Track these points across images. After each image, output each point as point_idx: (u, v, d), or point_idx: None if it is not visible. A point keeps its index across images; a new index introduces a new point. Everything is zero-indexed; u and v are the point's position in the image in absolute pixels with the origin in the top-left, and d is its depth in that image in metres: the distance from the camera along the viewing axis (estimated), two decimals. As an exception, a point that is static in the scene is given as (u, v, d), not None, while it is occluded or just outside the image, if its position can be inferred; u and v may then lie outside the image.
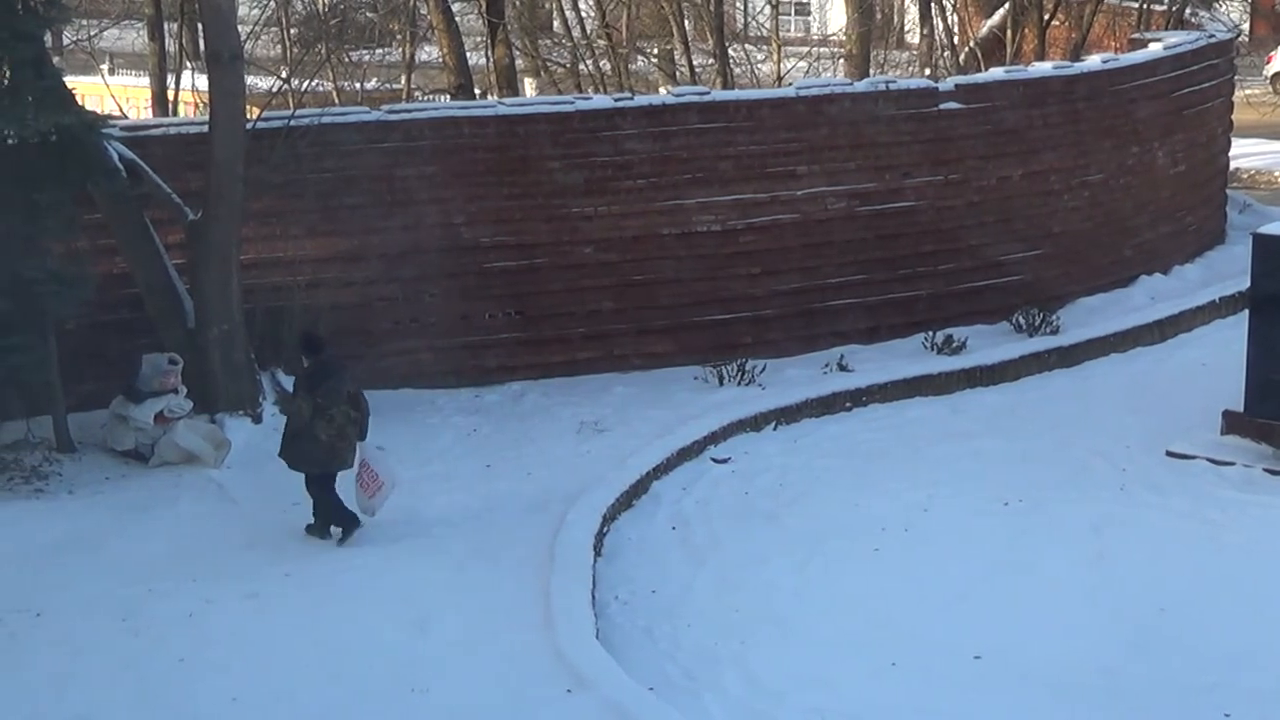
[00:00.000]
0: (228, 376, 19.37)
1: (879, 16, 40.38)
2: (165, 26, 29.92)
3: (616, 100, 22.73)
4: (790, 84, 26.12)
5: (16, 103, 17.79)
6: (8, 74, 18.05)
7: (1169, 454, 19.12)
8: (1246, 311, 19.78)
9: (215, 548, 16.34)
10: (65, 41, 32.78)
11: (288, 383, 19.97)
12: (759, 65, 35.27)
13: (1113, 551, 16.55)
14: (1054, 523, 17.26)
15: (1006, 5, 33.89)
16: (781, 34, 34.79)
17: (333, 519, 16.75)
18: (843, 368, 22.10)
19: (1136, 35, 30.52)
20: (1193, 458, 18.98)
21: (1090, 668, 14.14)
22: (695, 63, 32.44)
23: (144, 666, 13.79)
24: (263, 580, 15.48)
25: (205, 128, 19.73)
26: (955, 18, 36.43)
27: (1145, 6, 33.29)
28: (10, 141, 18.07)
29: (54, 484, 18.02)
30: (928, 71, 34.04)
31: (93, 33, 32.94)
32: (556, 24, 36.18)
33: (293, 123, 20.73)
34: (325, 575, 15.62)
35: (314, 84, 28.63)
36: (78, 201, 18.89)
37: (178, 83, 29.54)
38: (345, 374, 16.91)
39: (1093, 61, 26.04)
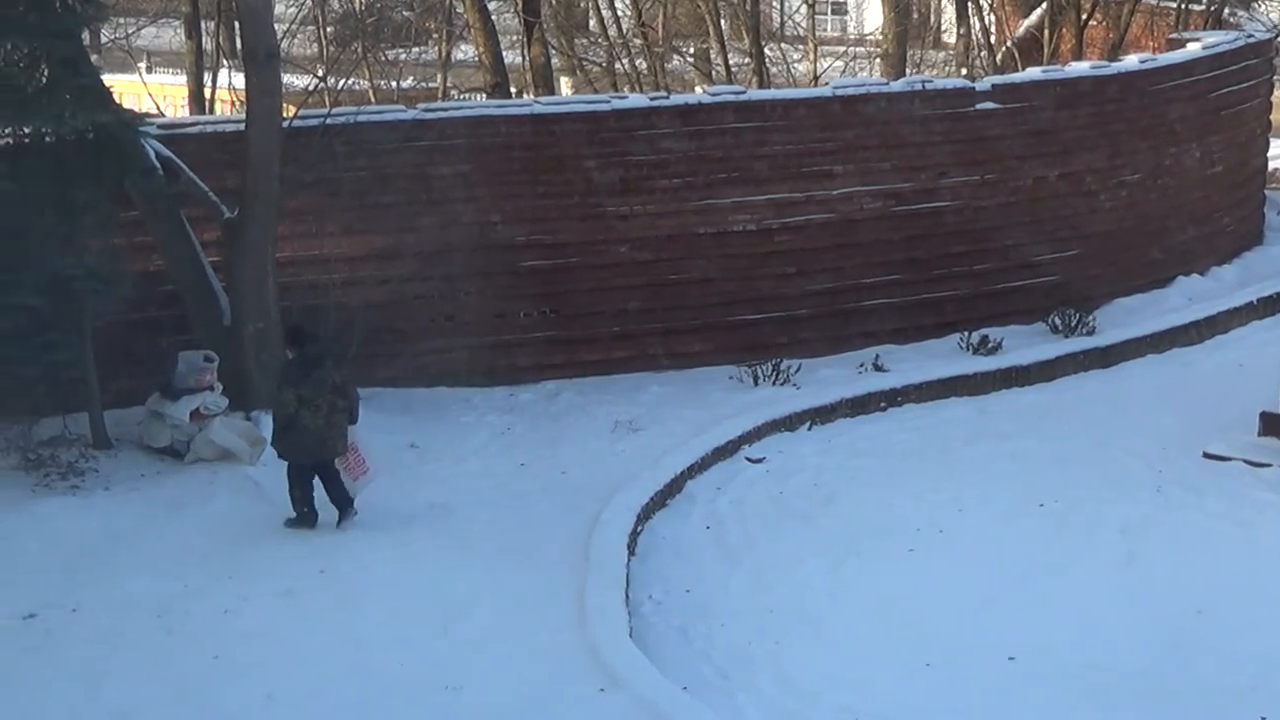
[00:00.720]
0: (263, 374, 19.37)
1: (915, 16, 40.33)
2: (202, 25, 30.05)
3: (652, 99, 22.72)
4: (826, 83, 26.09)
5: (54, 100, 17.83)
6: (45, 72, 18.10)
7: (1205, 455, 19.05)
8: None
9: (250, 545, 16.37)
10: (103, 39, 32.89)
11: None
12: (795, 65, 35.25)
13: (1148, 553, 16.49)
14: (1089, 524, 17.21)
15: (1044, 5, 33.79)
16: (818, 33, 34.76)
17: (334, 503, 16.98)
18: (878, 368, 22.06)
19: (1174, 35, 30.38)
20: (1229, 459, 18.89)
21: (1125, 669, 14.10)
22: (731, 62, 32.41)
23: (179, 663, 13.83)
24: (297, 577, 15.51)
25: (242, 126, 19.77)
26: (992, 17, 36.33)
27: (1183, 6, 33.15)
28: (48, 139, 18.13)
29: (90, 480, 18.07)
30: (964, 71, 33.95)
31: (130, 31, 33.04)
32: (592, 23, 36.17)
33: (328, 121, 20.76)
34: (359, 572, 15.64)
35: (350, 82, 28.67)
36: (114, 199, 18.93)
37: (214, 81, 29.66)
38: (329, 365, 17.07)
39: (1130, 61, 25.93)
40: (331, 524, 16.84)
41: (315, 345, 17.24)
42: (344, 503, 16.98)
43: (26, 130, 18.11)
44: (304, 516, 16.92)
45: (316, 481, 16.97)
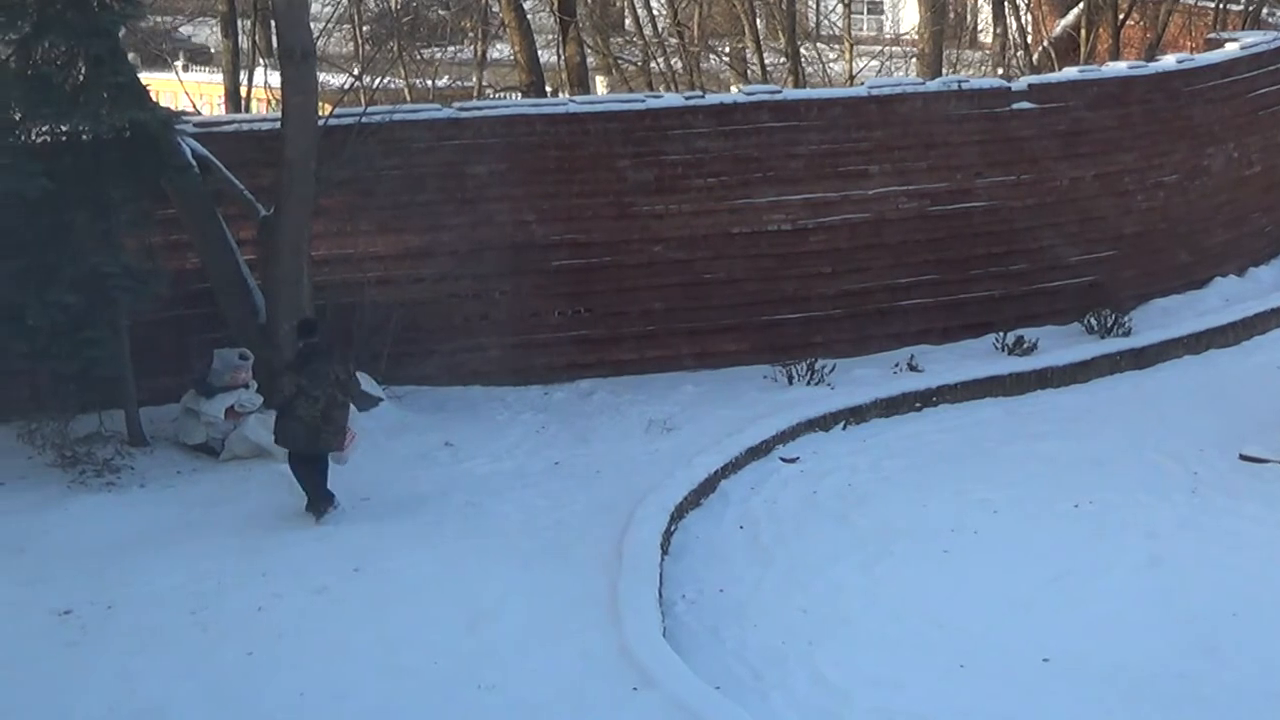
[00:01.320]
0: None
1: (952, 15, 40.22)
2: (239, 23, 30.12)
3: (688, 99, 22.71)
4: (862, 83, 26.06)
5: (91, 98, 17.89)
6: (83, 69, 18.16)
7: (1242, 457, 18.99)
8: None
9: (284, 542, 16.40)
10: (140, 38, 33.00)
11: (361, 379, 20.06)
12: (831, 64, 35.23)
13: (1183, 555, 16.42)
14: (1124, 526, 17.15)
15: (1081, 5, 33.68)
16: (854, 33, 34.73)
17: (309, 495, 17.13)
18: (912, 368, 22.02)
19: (1212, 35, 30.29)
20: (1266, 461, 18.83)
21: (1161, 672, 14.04)
22: (767, 61, 32.38)
23: (213, 660, 13.86)
24: (331, 575, 15.53)
25: (277, 124, 19.83)
26: (1029, 17, 36.22)
27: (1221, 6, 33.04)
28: (85, 137, 18.19)
29: (126, 477, 18.14)
30: (1000, 71, 33.88)
31: (167, 28, 33.13)
32: (628, 22, 36.21)
33: (364, 120, 20.79)
34: (393, 571, 15.64)
35: (385, 81, 28.74)
36: (150, 197, 18.98)
37: (250, 79, 29.75)
38: (334, 358, 17.28)
39: (1167, 61, 25.84)
40: (367, 523, 16.87)
41: (321, 337, 17.51)
42: (321, 496, 17.14)
43: (64, 128, 18.17)
44: (313, 502, 17.11)
45: (335, 468, 17.29)
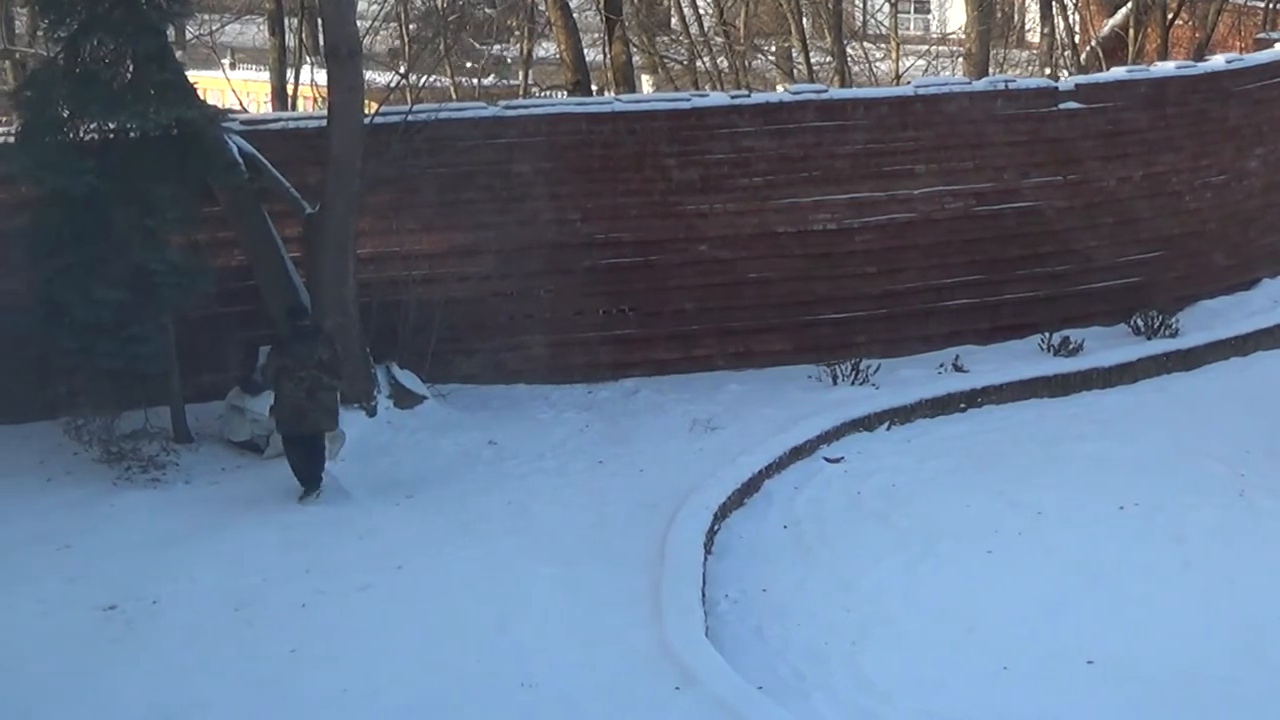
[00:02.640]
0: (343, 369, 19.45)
1: (999, 15, 40.05)
2: (286, 22, 30.17)
3: (734, 98, 22.69)
4: (908, 82, 25.98)
5: (139, 96, 17.97)
6: (131, 68, 18.24)
7: (1289, 460, 18.89)
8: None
9: (328, 539, 16.46)
10: (188, 36, 33.12)
11: (403, 377, 20.11)
12: (877, 63, 35.13)
13: (1230, 558, 16.31)
14: (1170, 528, 17.05)
15: (1129, 4, 33.52)
16: (900, 32, 34.62)
17: (296, 476, 17.73)
18: (958, 368, 21.96)
19: (1262, 35, 30.13)
20: (1313, 464, 18.72)
21: (1206, 675, 13.95)
22: (813, 60, 32.31)
23: (257, 656, 13.91)
24: (375, 572, 15.57)
25: (324, 122, 19.87)
26: (1076, 17, 36.05)
27: (1271, 6, 32.87)
28: (132, 134, 18.26)
29: (171, 474, 18.23)
30: (1048, 71, 33.73)
31: (215, 27, 33.26)
32: (674, 21, 36.12)
33: (410, 118, 20.83)
34: (437, 568, 15.68)
35: (431, 79, 28.76)
36: (197, 195, 19.05)
37: (297, 77, 29.82)
38: (319, 340, 17.85)
39: (1216, 61, 25.70)
40: (410, 521, 16.92)
41: (310, 321, 18.32)
42: (309, 478, 17.67)
43: (111, 126, 18.25)
44: (306, 484, 17.72)
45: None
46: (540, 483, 18.15)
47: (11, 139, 18.63)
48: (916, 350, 22.61)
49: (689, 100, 22.69)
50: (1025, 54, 40.16)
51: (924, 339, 22.87)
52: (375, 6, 30.87)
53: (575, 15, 32.17)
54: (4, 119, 20.73)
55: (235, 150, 19.34)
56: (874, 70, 34.86)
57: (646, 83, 36.30)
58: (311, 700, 13.17)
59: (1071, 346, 22.53)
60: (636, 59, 33.95)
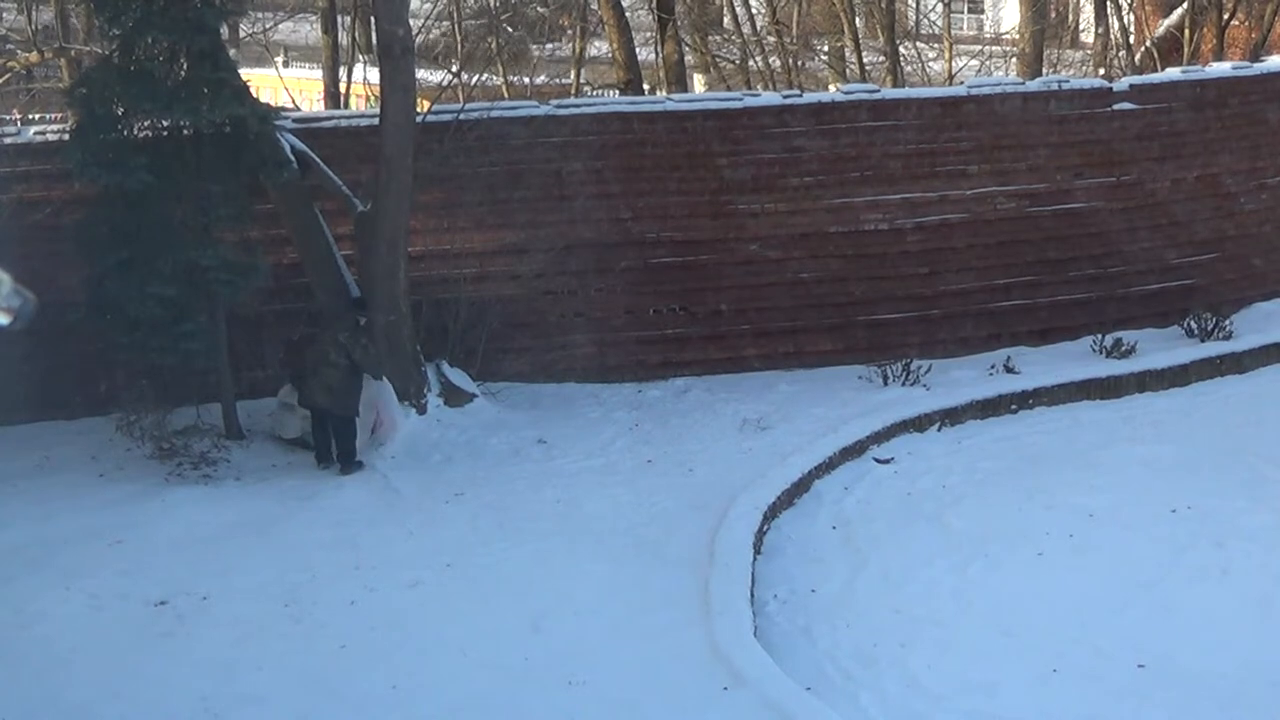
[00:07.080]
0: (393, 367, 19.51)
1: (1053, 15, 39.92)
2: (338, 20, 30.29)
3: (785, 97, 22.66)
4: (961, 83, 25.93)
5: (193, 94, 18.02)
6: (184, 66, 18.31)
7: (1343, 464, 18.75)
8: None
9: (378, 536, 16.49)
10: (241, 34, 33.26)
11: (453, 375, 20.15)
12: (930, 63, 35.06)
13: (1283, 562, 16.22)
14: (1223, 531, 16.93)
15: (1185, 4, 33.36)
16: (953, 32, 34.55)
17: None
18: (1009, 369, 21.87)
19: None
20: (1368, 468, 18.58)
21: (1259, 680, 13.84)
22: (866, 60, 32.28)
23: (306, 652, 13.94)
24: (424, 569, 15.60)
25: (376, 120, 19.93)
26: (1131, 17, 35.91)
27: (1329, 6, 32.63)
28: (185, 132, 18.33)
29: (222, 470, 18.30)
30: (1102, 71, 33.59)
31: (268, 25, 33.39)
32: (726, 20, 36.15)
33: (462, 116, 20.86)
34: (486, 566, 15.70)
35: (483, 78, 28.81)
36: (249, 192, 19.12)
37: (349, 75, 29.92)
38: (344, 323, 18.75)
39: (1273, 62, 25.57)
40: (460, 518, 16.95)
41: (350, 310, 19.15)
42: (343, 456, 18.49)
43: (165, 123, 18.32)
44: (319, 457, 18.71)
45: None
46: (589, 481, 18.15)
47: (66, 136, 18.74)
48: (968, 351, 22.55)
49: (741, 100, 22.69)
50: (1079, 54, 40.06)
51: (976, 339, 22.80)
52: (428, 5, 30.94)
53: (628, 14, 32.20)
54: (59, 116, 20.81)
55: (287, 148, 19.41)
56: (927, 70, 34.79)
57: (699, 82, 36.31)
58: (360, 696, 13.19)
59: (1124, 348, 22.41)
60: (689, 58, 33.99)
